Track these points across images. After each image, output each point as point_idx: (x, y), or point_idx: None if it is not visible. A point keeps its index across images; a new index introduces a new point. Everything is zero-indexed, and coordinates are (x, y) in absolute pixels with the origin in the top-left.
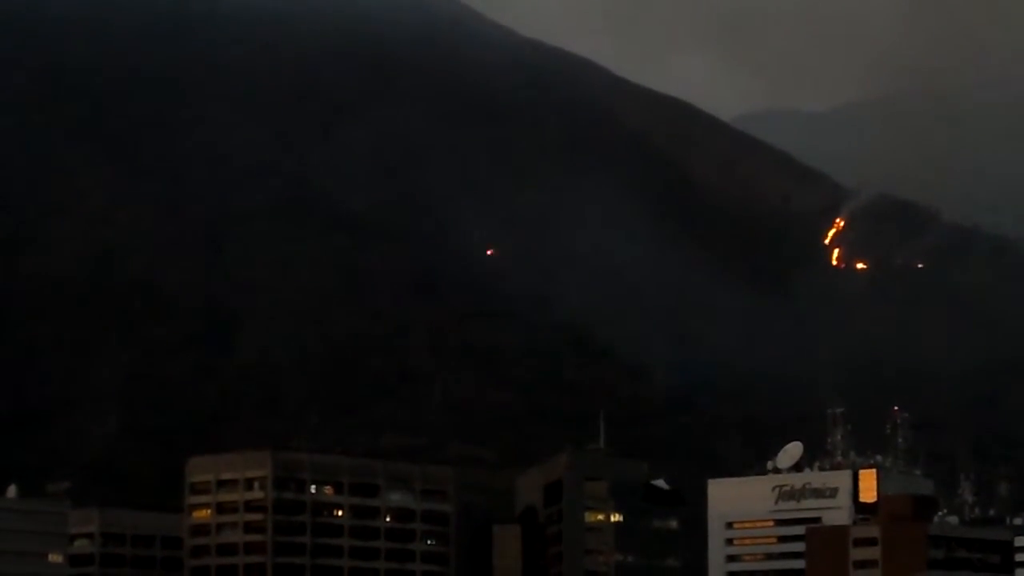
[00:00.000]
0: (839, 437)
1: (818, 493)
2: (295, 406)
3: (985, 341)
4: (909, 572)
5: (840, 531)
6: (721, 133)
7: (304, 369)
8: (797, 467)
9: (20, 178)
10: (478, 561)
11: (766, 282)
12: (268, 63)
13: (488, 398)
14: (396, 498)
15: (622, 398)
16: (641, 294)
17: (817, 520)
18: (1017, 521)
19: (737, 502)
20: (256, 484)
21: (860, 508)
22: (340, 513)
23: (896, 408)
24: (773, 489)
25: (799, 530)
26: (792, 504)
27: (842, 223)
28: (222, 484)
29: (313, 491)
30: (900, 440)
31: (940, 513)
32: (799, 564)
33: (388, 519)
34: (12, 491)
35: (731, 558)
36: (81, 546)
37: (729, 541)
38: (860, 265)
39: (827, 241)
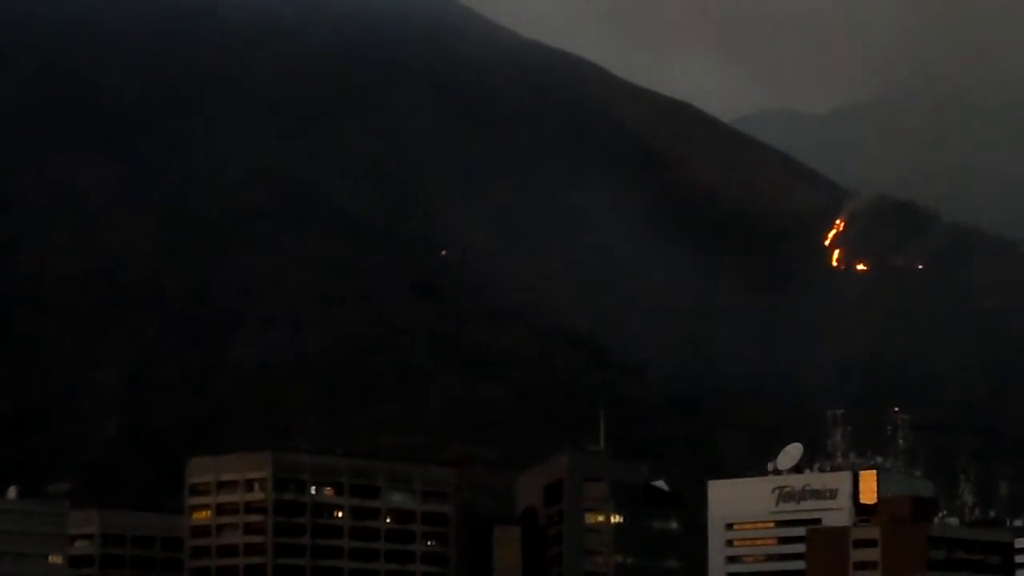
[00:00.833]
0: (839, 438)
1: (818, 494)
2: (295, 407)
3: (985, 341)
4: (909, 573)
5: (840, 532)
6: (721, 134)
7: (304, 370)
8: (797, 468)
9: (20, 178)
10: (478, 562)
11: (766, 283)
12: (268, 64)
13: (488, 398)
14: (396, 499)
15: (622, 399)
16: (641, 295)
17: (817, 521)
18: (1017, 522)
19: (737, 503)
20: (256, 485)
21: (860, 509)
22: (340, 514)
23: (896, 409)
24: (773, 490)
25: (799, 531)
26: (792, 505)
27: (842, 224)
28: (222, 485)
29: (313, 492)
30: (900, 441)
31: (940, 514)
32: (799, 565)
33: (388, 520)
34: (12, 492)
35: (731, 559)
36: (81, 547)
37: (729, 542)
38: (860, 266)
39: (827, 242)
